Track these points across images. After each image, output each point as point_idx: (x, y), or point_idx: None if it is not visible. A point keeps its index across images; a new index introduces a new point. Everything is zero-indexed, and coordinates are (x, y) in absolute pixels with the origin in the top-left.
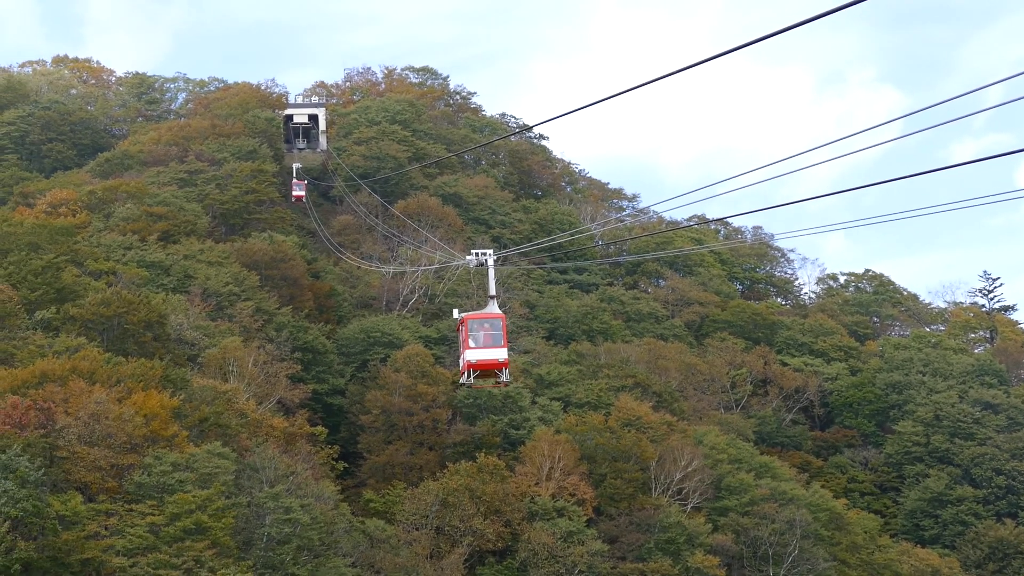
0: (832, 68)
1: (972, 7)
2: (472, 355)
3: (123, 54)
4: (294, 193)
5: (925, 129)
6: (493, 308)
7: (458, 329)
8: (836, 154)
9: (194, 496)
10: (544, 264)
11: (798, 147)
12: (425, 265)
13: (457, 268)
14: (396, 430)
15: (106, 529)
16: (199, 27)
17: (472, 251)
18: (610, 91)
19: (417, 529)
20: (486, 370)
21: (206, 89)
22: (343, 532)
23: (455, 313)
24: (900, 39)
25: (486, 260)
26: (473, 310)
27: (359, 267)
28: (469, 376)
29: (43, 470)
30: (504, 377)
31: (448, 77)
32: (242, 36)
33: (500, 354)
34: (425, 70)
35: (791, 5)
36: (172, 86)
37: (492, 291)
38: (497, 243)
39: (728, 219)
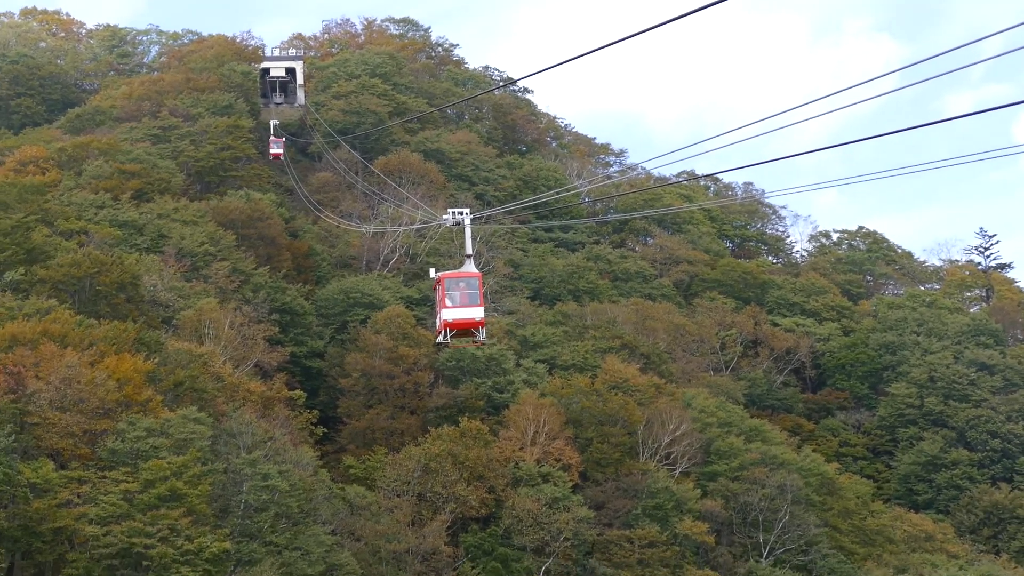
0: (827, 17)
1: None
2: (449, 314)
3: (96, 5)
4: (271, 151)
5: (921, 81)
6: (470, 267)
7: (435, 288)
8: (830, 108)
9: (169, 463)
10: (529, 222)
11: (792, 99)
12: (406, 224)
13: (439, 227)
14: (377, 394)
15: (79, 497)
16: None
17: (448, 209)
18: (597, 42)
19: (399, 496)
20: (463, 329)
21: (180, 42)
22: (322, 499)
23: (432, 272)
24: None
25: (462, 219)
26: (452, 269)
27: (338, 226)
28: (446, 335)
29: (13, 437)
30: (481, 336)
31: (429, 29)
32: None
33: (477, 313)
34: (406, 21)
35: None
36: (145, 39)
37: (469, 250)
38: (480, 200)
39: (718, 175)
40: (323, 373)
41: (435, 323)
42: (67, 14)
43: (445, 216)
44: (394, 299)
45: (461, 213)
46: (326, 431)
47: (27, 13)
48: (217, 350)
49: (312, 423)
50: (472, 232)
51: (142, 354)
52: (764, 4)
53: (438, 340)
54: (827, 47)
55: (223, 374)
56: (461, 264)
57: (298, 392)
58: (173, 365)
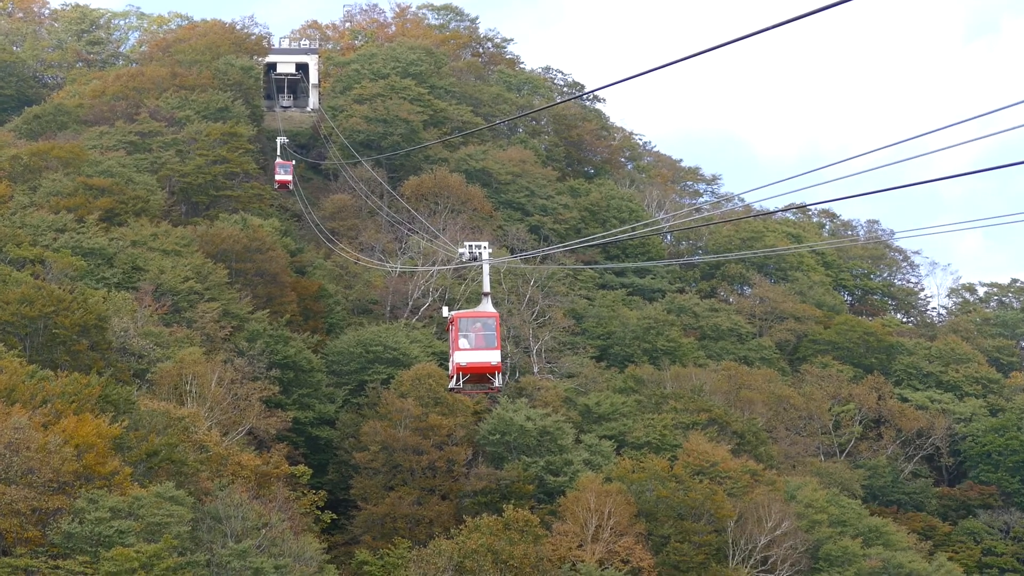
0: (983, 11)
1: None
2: (462, 357)
3: None
4: (277, 177)
5: None
6: (487, 306)
7: (448, 329)
8: (982, 133)
9: (138, 551)
10: (596, 263)
11: (934, 117)
12: (441, 262)
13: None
14: (400, 472)
15: None
16: None
17: (464, 243)
18: (682, 41)
19: None
20: (478, 374)
21: (165, 28)
22: None
23: (444, 311)
24: None
25: (480, 254)
26: (501, 317)
27: (357, 262)
28: (459, 380)
29: None
30: (497, 382)
31: (477, 19)
32: None
33: (493, 356)
34: (448, 9)
35: None
36: (122, 23)
37: (486, 288)
38: (536, 234)
39: (834, 203)
40: (333, 445)
41: (448, 367)
42: None
43: (461, 250)
44: (424, 355)
45: (480, 247)
46: (335, 517)
47: None
48: (201, 412)
49: (318, 507)
50: (525, 275)
51: (108, 415)
52: None
53: (450, 386)
54: (981, 50)
55: (208, 443)
56: (512, 315)
57: (301, 468)
58: (146, 430)
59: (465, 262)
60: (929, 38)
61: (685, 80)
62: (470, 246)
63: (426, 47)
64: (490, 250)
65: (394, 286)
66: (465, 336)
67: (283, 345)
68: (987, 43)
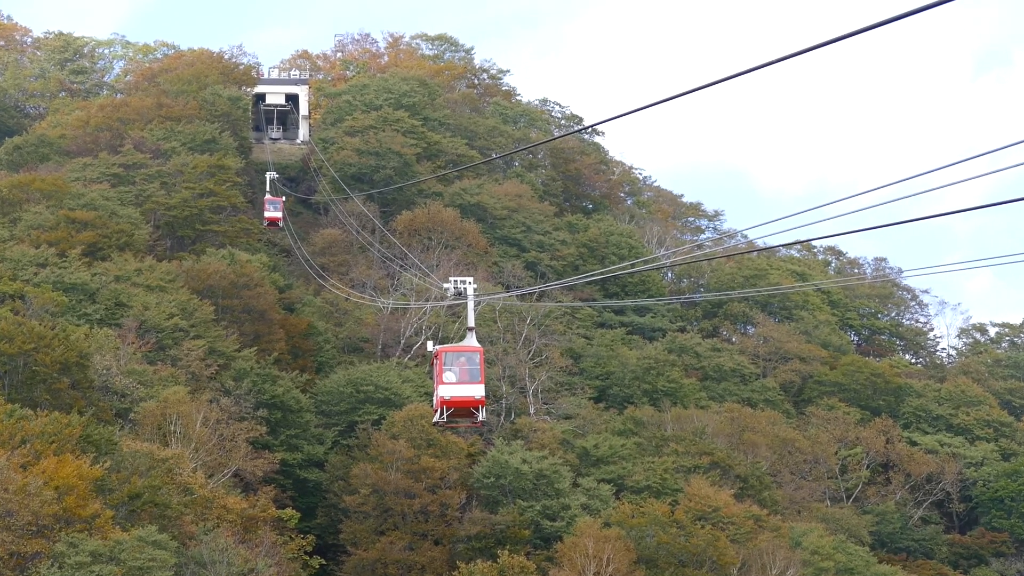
0: (994, 43)
1: None
2: (446, 391)
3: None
4: (267, 214)
5: None
6: (471, 341)
7: (432, 363)
8: (992, 168)
9: None
10: (594, 301)
11: (944, 151)
12: (431, 299)
13: (478, 304)
14: (391, 517)
15: None
16: None
17: (450, 278)
18: (692, 72)
19: None
20: (462, 408)
21: (151, 57)
22: None
23: (429, 345)
24: None
25: (465, 290)
26: (496, 356)
27: (347, 299)
28: (442, 414)
29: None
30: (481, 416)
31: (472, 50)
32: None
33: (477, 391)
34: (442, 39)
35: None
36: (107, 52)
37: (471, 323)
38: (532, 271)
39: (840, 239)
40: (323, 488)
41: (432, 401)
42: (8, 17)
43: (447, 286)
44: (417, 395)
45: (464, 283)
46: (324, 563)
47: None
48: (186, 454)
49: (307, 552)
50: (521, 313)
51: (89, 456)
52: (913, 25)
53: (434, 420)
54: (992, 83)
55: (193, 485)
56: (508, 354)
57: (289, 511)
58: (129, 471)
59: (451, 297)
60: (938, 70)
61: (687, 113)
62: (455, 281)
63: (420, 78)
64: (475, 285)
65: (386, 324)
66: (450, 370)
67: (271, 384)
68: (998, 75)
